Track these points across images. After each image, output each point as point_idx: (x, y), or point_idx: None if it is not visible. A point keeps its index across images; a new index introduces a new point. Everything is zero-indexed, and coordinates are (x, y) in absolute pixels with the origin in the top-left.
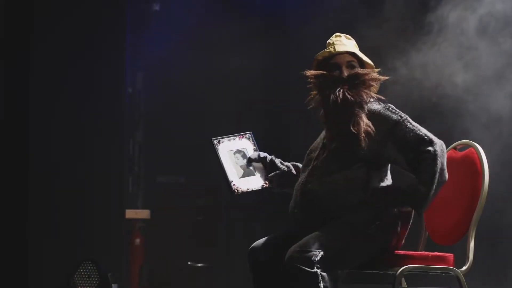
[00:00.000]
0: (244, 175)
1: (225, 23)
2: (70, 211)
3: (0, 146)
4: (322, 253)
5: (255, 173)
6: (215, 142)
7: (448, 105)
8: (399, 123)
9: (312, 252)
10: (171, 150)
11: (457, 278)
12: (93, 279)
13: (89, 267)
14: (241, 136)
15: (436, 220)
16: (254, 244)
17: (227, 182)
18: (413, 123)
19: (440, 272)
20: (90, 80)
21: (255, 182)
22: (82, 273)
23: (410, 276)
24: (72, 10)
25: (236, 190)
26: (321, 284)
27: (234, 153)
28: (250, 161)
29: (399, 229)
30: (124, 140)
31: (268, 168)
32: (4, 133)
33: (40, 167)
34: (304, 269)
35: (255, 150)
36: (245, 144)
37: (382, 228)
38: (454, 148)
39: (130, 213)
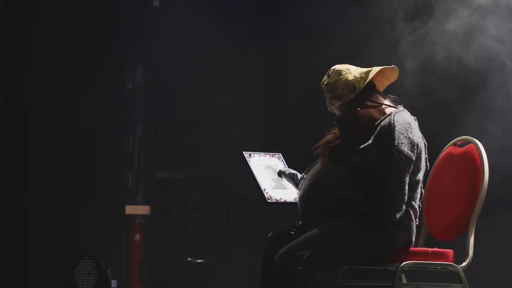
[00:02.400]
0: (276, 188)
1: (226, 18)
2: (70, 207)
3: (0, 140)
4: (308, 253)
5: (287, 188)
6: (246, 155)
7: (449, 99)
8: (387, 150)
9: (298, 253)
10: (171, 146)
11: (457, 274)
12: (93, 275)
13: (88, 263)
14: (271, 155)
15: (436, 216)
16: (276, 230)
17: (259, 190)
18: (401, 165)
19: (440, 268)
20: (89, 76)
21: (288, 194)
22: (82, 269)
23: (410, 272)
24: (72, 6)
25: (269, 198)
26: (309, 281)
27: (265, 167)
28: (280, 173)
29: (409, 235)
30: (124, 136)
31: (299, 185)
32: (4, 127)
33: (40, 164)
34: (290, 268)
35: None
36: (275, 162)
37: (385, 236)
38: (454, 144)
39: (130, 209)
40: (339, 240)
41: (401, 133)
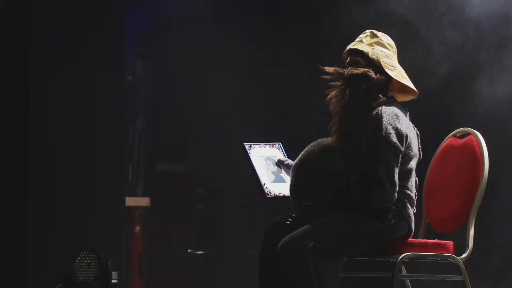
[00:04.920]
0: (275, 181)
1: (225, 9)
2: (70, 199)
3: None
4: (312, 243)
5: (285, 180)
6: (247, 146)
7: (449, 91)
8: (376, 141)
9: (303, 242)
10: (171, 137)
11: (457, 265)
12: (93, 267)
13: (89, 255)
14: (271, 145)
15: (436, 208)
16: (272, 222)
17: (259, 185)
18: (390, 156)
19: (440, 260)
20: (89, 67)
21: (287, 188)
22: (82, 261)
23: (410, 263)
24: (71, 1)
25: (268, 193)
26: (312, 271)
27: (265, 159)
28: (279, 163)
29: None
30: (124, 127)
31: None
32: (4, 119)
33: (40, 156)
34: (293, 257)
35: None
36: (275, 153)
37: (386, 228)
38: (454, 135)
39: (130, 201)
40: (343, 231)
41: (389, 124)
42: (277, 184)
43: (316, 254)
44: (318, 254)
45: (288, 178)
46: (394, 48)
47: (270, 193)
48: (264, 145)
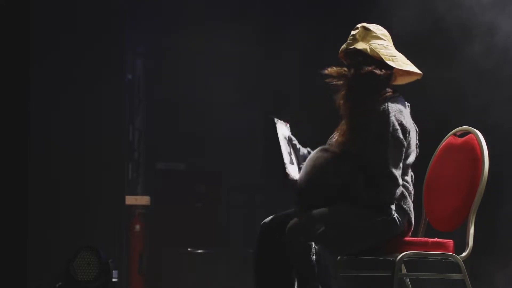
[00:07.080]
0: (290, 162)
1: (224, 6)
2: (70, 197)
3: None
4: (323, 228)
5: (294, 163)
6: (277, 121)
7: (450, 89)
8: (383, 136)
9: (313, 226)
10: (171, 136)
11: (457, 264)
12: (93, 265)
13: (89, 254)
14: (286, 123)
15: (436, 206)
16: (266, 220)
17: (281, 164)
18: (397, 151)
19: (440, 258)
20: (89, 67)
21: (295, 171)
22: (82, 260)
23: (410, 262)
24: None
25: (288, 174)
26: (313, 257)
27: (284, 137)
28: (290, 140)
29: (410, 220)
30: (124, 126)
31: (300, 160)
32: (4, 117)
33: (40, 154)
34: (299, 239)
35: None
36: (287, 132)
37: (392, 221)
38: (454, 134)
39: (130, 200)
40: (352, 223)
41: (396, 119)
42: (291, 166)
43: (322, 242)
44: (325, 243)
45: (295, 161)
46: (388, 36)
47: (289, 174)
48: (282, 122)
